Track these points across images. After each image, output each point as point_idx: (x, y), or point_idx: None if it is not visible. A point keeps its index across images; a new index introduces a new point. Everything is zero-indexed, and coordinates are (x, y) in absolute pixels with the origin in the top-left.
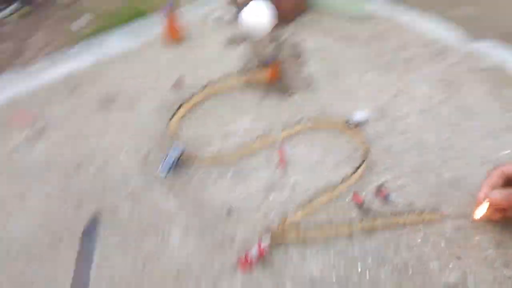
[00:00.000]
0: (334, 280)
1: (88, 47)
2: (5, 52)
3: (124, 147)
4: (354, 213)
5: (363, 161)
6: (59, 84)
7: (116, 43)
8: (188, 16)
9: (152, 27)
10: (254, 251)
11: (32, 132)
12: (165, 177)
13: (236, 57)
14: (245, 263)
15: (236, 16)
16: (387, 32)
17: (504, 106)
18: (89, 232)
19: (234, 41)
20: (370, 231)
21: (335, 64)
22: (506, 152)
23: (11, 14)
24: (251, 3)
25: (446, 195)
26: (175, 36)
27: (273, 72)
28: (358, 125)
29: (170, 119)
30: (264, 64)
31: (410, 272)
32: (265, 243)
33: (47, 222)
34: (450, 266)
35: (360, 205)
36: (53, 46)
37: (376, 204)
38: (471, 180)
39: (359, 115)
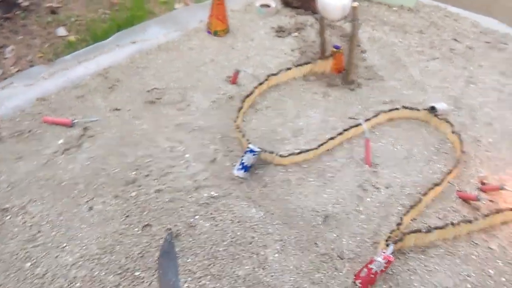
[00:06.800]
0: None
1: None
2: None
3: (186, 151)
4: (465, 211)
5: (461, 153)
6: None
7: None
8: (231, 4)
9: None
10: (378, 263)
11: (71, 139)
12: (243, 181)
13: (288, 47)
14: (367, 279)
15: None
16: (441, 20)
17: None
18: (168, 252)
19: (284, 30)
20: (489, 230)
21: (394, 53)
22: None
23: None
24: None
25: None
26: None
27: (337, 62)
28: (439, 115)
29: (237, 117)
30: (333, 50)
31: None
32: (389, 252)
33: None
34: None
35: (472, 201)
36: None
37: (483, 199)
38: None
39: (440, 106)
